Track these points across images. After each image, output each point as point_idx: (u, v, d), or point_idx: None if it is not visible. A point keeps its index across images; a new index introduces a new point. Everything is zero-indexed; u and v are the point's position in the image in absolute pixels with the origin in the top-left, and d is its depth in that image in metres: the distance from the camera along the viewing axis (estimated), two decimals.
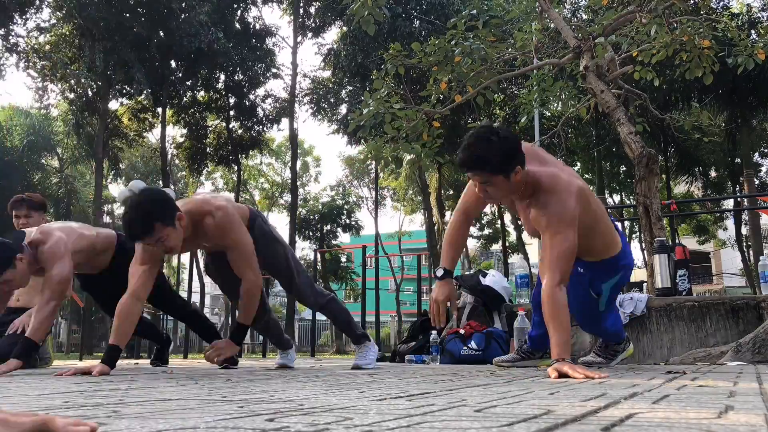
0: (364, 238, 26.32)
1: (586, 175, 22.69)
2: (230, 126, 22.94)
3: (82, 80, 19.74)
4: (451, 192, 26.59)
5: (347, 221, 26.72)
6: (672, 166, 20.63)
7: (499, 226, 24.61)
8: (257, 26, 22.00)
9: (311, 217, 26.44)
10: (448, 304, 2.84)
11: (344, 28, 18.75)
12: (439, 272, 2.84)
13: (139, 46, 18.63)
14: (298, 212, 23.44)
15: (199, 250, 3.99)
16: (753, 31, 12.26)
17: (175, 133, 31.73)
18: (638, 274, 21.21)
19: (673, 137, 16.25)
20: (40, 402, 1.44)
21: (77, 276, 4.00)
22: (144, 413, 1.11)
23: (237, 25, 21.02)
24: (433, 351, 4.78)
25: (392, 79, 6.94)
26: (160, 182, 23.00)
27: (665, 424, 0.87)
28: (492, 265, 32.06)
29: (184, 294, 12.53)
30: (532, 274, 6.04)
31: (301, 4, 21.05)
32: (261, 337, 11.29)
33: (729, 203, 19.10)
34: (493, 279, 5.08)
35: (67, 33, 19.24)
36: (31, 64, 19.86)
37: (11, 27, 18.72)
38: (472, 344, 4.59)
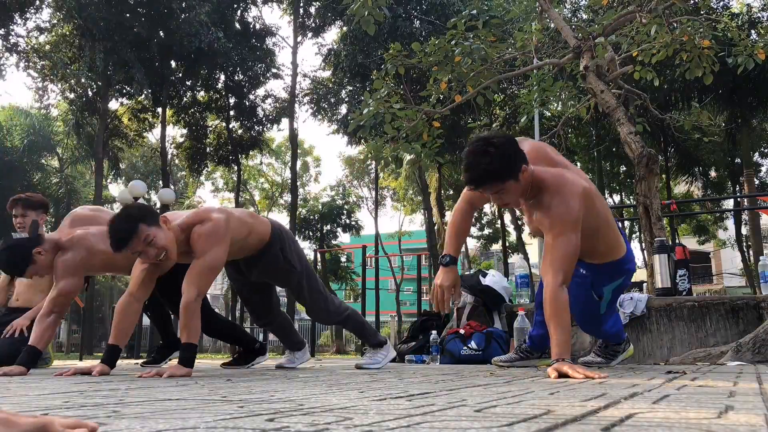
0: (364, 238, 26.32)
1: (586, 175, 22.68)
2: (230, 126, 22.95)
3: (82, 80, 19.74)
4: (451, 192, 26.59)
5: (347, 221, 26.72)
6: (672, 166, 20.63)
7: (499, 226, 24.61)
8: (257, 26, 22.01)
9: (311, 217, 26.44)
10: (453, 290, 2.82)
11: (344, 28, 18.75)
12: (444, 259, 2.86)
13: (139, 46, 18.63)
14: (298, 212, 23.44)
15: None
16: (753, 31, 12.26)
17: (175, 133, 31.80)
18: (638, 274, 21.24)
19: (673, 137, 16.25)
20: (40, 402, 1.44)
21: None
22: (144, 413, 1.11)
23: (237, 25, 21.02)
24: (433, 351, 4.78)
25: (392, 79, 6.94)
26: (160, 182, 23.01)
27: (665, 424, 0.87)
28: (492, 265, 32.06)
29: None
30: (532, 274, 6.04)
31: (301, 4, 21.05)
32: (262, 337, 11.29)
33: (729, 203, 19.11)
34: (493, 279, 5.08)
35: (67, 33, 19.24)
36: (31, 64, 19.87)
37: (11, 27, 18.73)
38: (472, 344, 4.59)
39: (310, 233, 26.28)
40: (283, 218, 28.11)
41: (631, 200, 20.08)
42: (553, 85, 6.90)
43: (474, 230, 27.99)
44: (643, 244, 5.15)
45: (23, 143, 23.84)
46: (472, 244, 31.54)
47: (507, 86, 13.35)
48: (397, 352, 5.43)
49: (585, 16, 13.03)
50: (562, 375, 2.18)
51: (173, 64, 20.73)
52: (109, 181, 25.68)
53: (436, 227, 23.68)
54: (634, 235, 24.75)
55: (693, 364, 3.51)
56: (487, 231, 29.40)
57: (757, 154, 22.58)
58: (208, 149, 23.48)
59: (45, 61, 19.78)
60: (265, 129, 23.62)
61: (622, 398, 1.30)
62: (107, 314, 23.73)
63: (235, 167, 24.12)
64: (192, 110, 22.87)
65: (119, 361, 4.69)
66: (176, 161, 27.91)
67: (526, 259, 21.08)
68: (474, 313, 4.98)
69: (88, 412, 1.16)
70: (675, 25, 6.06)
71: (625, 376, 2.25)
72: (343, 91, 19.91)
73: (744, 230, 21.90)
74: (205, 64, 19.95)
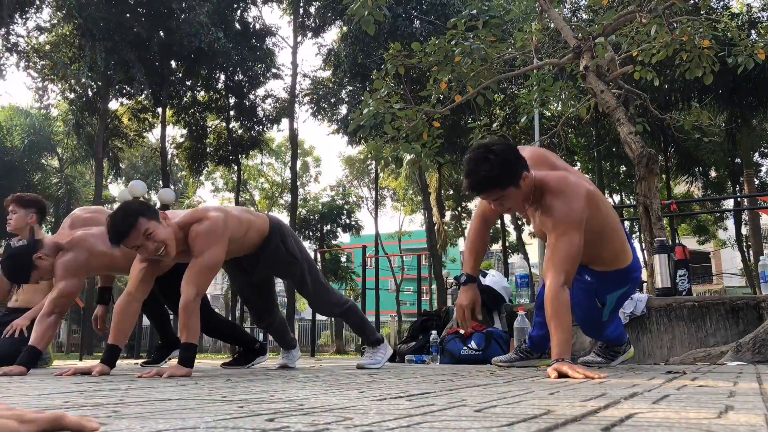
0: (364, 238, 26.31)
1: (586, 175, 22.69)
2: (230, 126, 22.94)
3: (82, 80, 19.74)
4: (451, 192, 26.59)
5: (347, 221, 26.71)
6: (672, 166, 20.63)
7: (499, 226, 24.60)
8: (257, 26, 22.01)
9: (311, 217, 26.44)
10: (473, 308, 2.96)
11: (344, 28, 18.75)
12: (463, 279, 2.97)
13: (139, 46, 18.63)
14: (298, 212, 23.43)
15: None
16: (753, 31, 12.26)
17: (175, 133, 31.79)
18: None
19: (673, 137, 16.25)
20: (40, 402, 1.44)
21: None
22: (144, 413, 1.11)
23: (237, 25, 21.01)
24: (433, 351, 4.78)
25: (392, 79, 6.94)
26: (160, 182, 23.02)
27: (665, 424, 0.87)
28: (492, 265, 32.05)
29: None
30: (532, 274, 6.04)
31: (301, 4, 21.04)
32: (262, 337, 11.29)
33: (729, 203, 19.10)
34: (493, 279, 5.09)
35: (68, 33, 19.24)
36: (31, 64, 19.87)
37: (11, 27, 18.73)
38: (472, 344, 4.59)
39: (310, 233, 26.27)
40: (283, 218, 28.11)
41: (631, 200, 20.08)
42: (553, 85, 6.90)
43: None
44: (643, 244, 5.14)
45: (23, 143, 23.84)
46: None
47: (507, 86, 13.35)
48: (397, 352, 5.43)
49: (585, 16, 13.03)
50: (561, 375, 2.17)
51: (173, 64, 20.73)
52: (109, 181, 25.68)
53: (436, 227, 23.69)
54: (634, 235, 24.78)
55: (693, 364, 3.51)
56: None
57: (757, 154, 22.58)
58: (208, 149, 23.47)
59: (45, 61, 19.78)
60: (265, 129, 23.62)
61: (622, 398, 1.30)
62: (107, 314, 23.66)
63: (235, 167, 24.12)
64: (192, 110, 22.86)
65: (119, 361, 4.69)
66: (176, 161, 27.90)
67: (526, 259, 21.08)
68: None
69: (88, 412, 1.16)
70: (675, 25, 6.06)
71: (625, 376, 2.25)
72: (343, 91, 19.90)
73: (744, 230, 21.90)
74: (205, 64, 19.95)
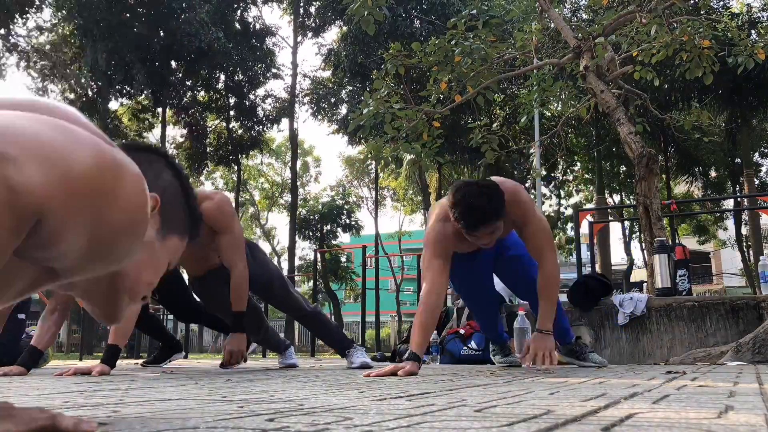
0: (364, 238, 26.31)
1: (586, 175, 22.69)
2: (230, 126, 22.94)
3: (82, 80, 19.75)
4: None
5: (347, 221, 26.68)
6: (672, 166, 20.62)
7: None
8: (257, 26, 22.00)
9: (311, 217, 26.42)
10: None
11: (344, 28, 18.74)
12: (409, 354, 2.63)
13: (139, 46, 18.63)
14: (298, 212, 23.43)
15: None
16: (753, 31, 12.25)
17: (175, 133, 31.75)
18: (638, 274, 21.21)
19: (673, 137, 16.24)
20: (39, 402, 1.44)
21: None
22: (144, 413, 1.11)
23: (237, 25, 21.00)
24: (433, 351, 4.78)
25: (392, 79, 6.94)
26: None
27: (665, 424, 0.87)
28: None
29: None
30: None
31: (301, 4, 21.04)
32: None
33: (729, 203, 19.10)
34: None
35: (68, 33, 19.23)
36: (31, 64, 19.86)
37: (11, 27, 18.73)
38: (472, 344, 4.59)
39: (310, 233, 26.25)
40: (283, 218, 28.06)
41: (631, 200, 20.07)
42: (553, 85, 6.90)
43: None
44: (643, 244, 5.14)
45: None
46: None
47: (507, 86, 13.36)
48: (397, 352, 5.44)
49: (585, 16, 13.03)
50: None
51: (173, 64, 20.73)
52: None
53: None
54: (634, 235, 24.79)
55: (693, 364, 3.51)
56: None
57: (757, 154, 22.58)
58: (208, 149, 23.46)
59: (45, 61, 19.78)
60: (265, 129, 23.60)
61: (622, 398, 1.30)
62: None
63: (235, 167, 24.11)
64: (192, 110, 22.86)
65: (119, 361, 4.70)
66: (176, 161, 27.88)
67: None
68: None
69: (88, 412, 1.16)
70: (675, 25, 6.05)
71: (625, 376, 2.25)
72: (343, 91, 19.89)
73: (744, 230, 21.90)
74: (205, 64, 19.94)
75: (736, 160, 20.58)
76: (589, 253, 9.07)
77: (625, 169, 21.26)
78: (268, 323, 4.02)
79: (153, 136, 26.31)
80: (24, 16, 18.72)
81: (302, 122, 75.36)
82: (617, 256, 28.98)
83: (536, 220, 2.84)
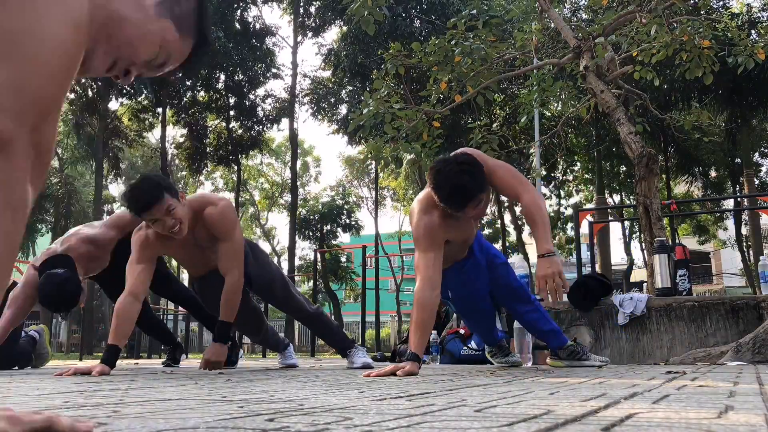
0: (364, 238, 26.32)
1: (586, 175, 22.69)
2: (230, 126, 22.94)
3: (82, 80, 19.73)
4: None
5: (347, 221, 26.69)
6: (672, 166, 20.62)
7: (499, 226, 24.60)
8: (257, 26, 22.00)
9: (311, 217, 26.42)
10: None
11: (344, 28, 18.75)
12: (410, 355, 2.60)
13: None
14: (298, 212, 23.43)
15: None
16: (753, 31, 12.25)
17: (175, 133, 31.75)
18: (638, 274, 21.20)
19: (673, 137, 16.24)
20: (39, 402, 1.44)
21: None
22: (144, 413, 1.11)
23: (237, 25, 21.00)
24: (433, 351, 4.78)
25: (392, 79, 6.94)
26: None
27: (665, 424, 0.87)
28: None
29: None
30: (532, 273, 6.03)
31: (301, 4, 21.04)
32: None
33: (729, 203, 19.10)
34: None
35: None
36: None
37: None
38: (472, 344, 4.59)
39: (310, 233, 26.25)
40: (283, 218, 28.07)
41: (631, 200, 20.07)
42: (553, 85, 6.90)
43: None
44: (643, 244, 5.14)
45: None
46: None
47: (507, 86, 13.35)
48: (397, 352, 5.44)
49: (585, 16, 13.03)
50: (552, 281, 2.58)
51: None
52: (109, 181, 25.65)
53: None
54: (634, 235, 24.78)
55: (693, 364, 3.51)
56: (487, 231, 29.42)
57: (757, 154, 22.57)
58: (208, 149, 23.47)
59: None
60: (265, 129, 23.61)
61: (622, 398, 1.30)
62: (107, 314, 23.78)
63: (235, 167, 24.11)
64: (192, 110, 22.86)
65: (119, 361, 4.70)
66: (176, 161, 27.91)
67: (526, 259, 21.07)
68: None
69: (88, 412, 1.16)
70: (675, 25, 6.05)
71: (625, 376, 2.25)
72: (343, 91, 19.89)
73: (744, 230, 21.90)
74: (205, 63, 19.94)
75: (736, 160, 20.58)
76: (589, 253, 9.08)
77: (625, 169, 21.27)
78: (267, 323, 4.02)
79: (153, 136, 26.36)
80: None
81: (302, 122, 75.31)
82: (617, 256, 28.98)
83: (500, 165, 2.87)
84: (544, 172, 19.24)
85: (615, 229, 32.53)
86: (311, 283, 23.06)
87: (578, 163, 21.80)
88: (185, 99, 22.34)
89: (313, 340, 12.54)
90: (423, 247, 2.73)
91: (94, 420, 1.00)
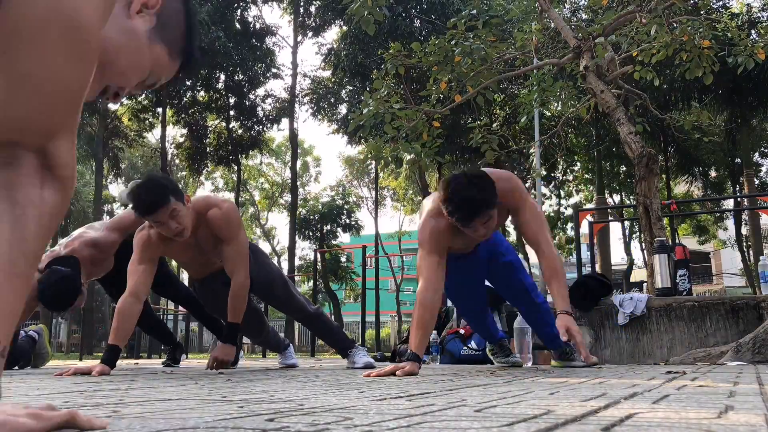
0: (364, 238, 26.31)
1: (586, 175, 22.68)
2: (230, 126, 22.93)
3: None
4: None
5: (347, 221, 26.68)
6: (672, 166, 20.62)
7: None
8: (257, 26, 22.00)
9: (311, 217, 26.42)
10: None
11: (344, 28, 18.75)
12: (410, 355, 2.61)
13: None
14: (298, 212, 23.42)
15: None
16: (753, 31, 12.25)
17: (175, 133, 31.76)
18: (638, 274, 21.20)
19: (673, 137, 16.24)
20: (39, 402, 1.44)
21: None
22: (144, 413, 1.11)
23: (237, 25, 21.00)
24: (433, 351, 4.79)
25: (392, 78, 6.94)
26: None
27: (665, 424, 0.87)
28: None
29: None
30: (533, 274, 6.05)
31: (301, 4, 21.04)
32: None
33: (729, 203, 19.10)
34: None
35: None
36: None
37: None
38: (472, 344, 4.59)
39: (310, 233, 26.25)
40: (283, 218, 28.08)
41: (631, 200, 20.07)
42: (553, 85, 6.90)
43: None
44: (643, 244, 5.14)
45: None
46: None
47: (507, 86, 13.34)
48: (397, 352, 5.44)
49: (585, 16, 13.03)
50: (570, 333, 2.63)
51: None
52: (109, 181, 25.67)
53: None
54: (634, 235, 24.77)
55: (693, 364, 3.51)
56: None
57: (757, 154, 22.57)
58: (208, 149, 23.47)
59: None
60: (265, 129, 23.61)
61: (622, 398, 1.30)
62: (107, 314, 23.80)
63: (235, 167, 24.11)
64: (192, 110, 22.86)
65: (119, 361, 4.69)
66: (176, 161, 27.90)
67: (526, 259, 21.06)
68: None
69: (88, 412, 1.16)
70: (675, 25, 6.05)
71: (625, 376, 2.25)
72: (343, 91, 19.88)
73: (744, 230, 21.90)
74: (205, 63, 19.94)
75: (736, 160, 20.58)
76: (589, 253, 9.08)
77: (625, 169, 21.27)
78: (268, 324, 4.02)
79: (153, 136, 26.36)
80: None
81: (302, 122, 75.32)
82: (617, 256, 28.99)
83: (530, 207, 2.85)
84: (544, 172, 19.23)
85: (615, 229, 32.55)
86: (311, 283, 23.06)
87: (578, 163, 21.80)
88: (185, 99, 22.34)
89: (313, 340, 12.53)
90: (427, 249, 2.75)
91: (99, 419, 1.00)
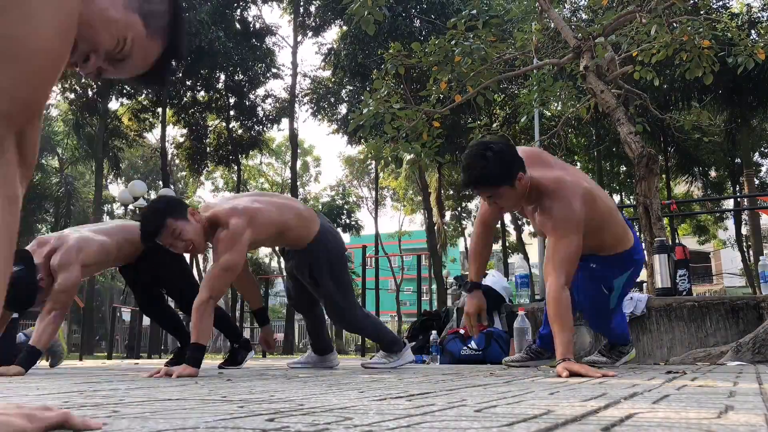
0: (364, 238, 26.31)
1: (586, 175, 22.68)
2: (230, 126, 22.95)
3: (83, 80, 19.74)
4: (451, 192, 26.57)
5: (347, 221, 26.70)
6: (672, 166, 20.63)
7: (499, 226, 24.59)
8: (257, 25, 22.01)
9: None
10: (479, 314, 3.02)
11: (344, 28, 18.75)
12: (467, 286, 3.04)
13: None
14: None
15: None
16: (753, 31, 12.26)
17: (175, 133, 31.79)
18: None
19: (673, 137, 16.25)
20: (39, 402, 1.44)
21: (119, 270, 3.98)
22: (144, 413, 1.11)
23: (237, 25, 21.00)
24: (433, 351, 4.78)
25: (392, 78, 6.94)
26: (160, 182, 23.01)
27: (665, 424, 0.87)
28: (492, 265, 32.04)
29: None
30: (532, 274, 6.05)
31: (301, 3, 21.04)
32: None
33: (729, 203, 19.10)
34: (493, 279, 5.08)
35: None
36: None
37: None
38: (472, 344, 4.59)
39: None
40: None
41: (631, 200, 20.05)
42: (553, 85, 6.90)
43: None
44: (644, 244, 5.14)
45: None
46: None
47: (507, 86, 13.35)
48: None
49: (585, 16, 13.03)
50: (573, 374, 2.20)
51: (173, 63, 20.69)
52: (109, 181, 25.69)
53: (435, 227, 23.69)
54: (635, 230, 24.71)
55: (693, 364, 3.51)
56: None
57: (757, 154, 22.58)
58: (208, 149, 23.48)
59: None
60: (265, 129, 23.62)
61: (622, 398, 1.30)
62: (107, 314, 23.77)
63: (235, 167, 24.13)
64: (192, 110, 22.87)
65: (119, 362, 4.68)
66: (176, 161, 27.91)
67: (526, 259, 21.07)
68: None
69: (88, 412, 1.16)
70: (675, 25, 6.06)
71: (625, 376, 2.25)
72: (343, 91, 19.89)
73: (744, 230, 21.90)
74: (206, 63, 19.95)
75: (736, 160, 20.58)
76: None
77: (625, 169, 21.28)
78: (320, 315, 3.81)
79: (153, 136, 26.36)
80: None
81: (302, 122, 75.35)
82: None
83: (557, 234, 2.50)
84: None
85: None
86: None
87: (578, 163, 21.79)
88: (185, 99, 22.35)
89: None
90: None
91: (95, 420, 1.00)
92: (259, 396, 1.49)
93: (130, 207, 15.52)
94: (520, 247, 22.82)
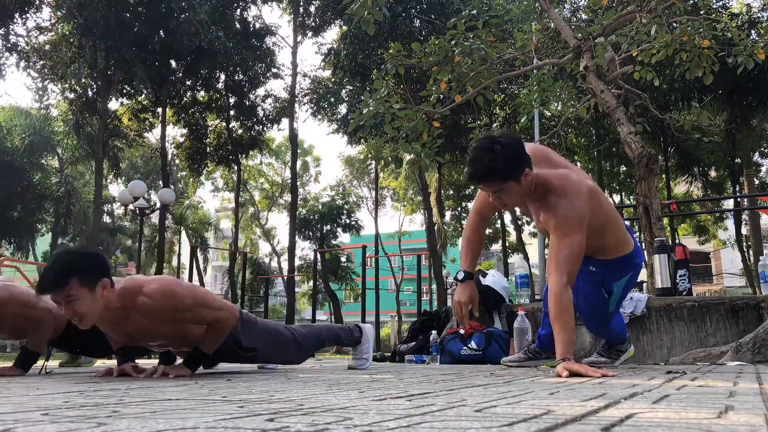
0: (364, 238, 26.33)
1: (588, 175, 22.70)
2: (230, 126, 22.95)
3: (82, 80, 19.74)
4: (451, 192, 26.58)
5: (347, 221, 26.71)
6: (672, 166, 20.64)
7: (499, 226, 24.59)
8: (257, 25, 22.01)
9: (311, 217, 26.44)
10: (471, 305, 2.94)
11: (344, 28, 18.75)
12: (460, 275, 2.95)
13: (139, 46, 18.63)
14: (298, 212, 23.43)
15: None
16: (753, 31, 12.27)
17: (175, 133, 31.79)
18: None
19: (673, 137, 16.25)
20: (39, 402, 1.44)
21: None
22: (144, 413, 1.11)
23: (237, 25, 21.00)
24: (433, 351, 4.78)
25: (392, 78, 6.94)
26: (160, 182, 23.00)
27: (665, 424, 0.87)
28: (492, 265, 32.06)
29: None
30: (532, 274, 6.05)
31: (301, 3, 21.04)
32: None
33: (729, 203, 19.10)
34: (493, 279, 5.08)
35: (67, 32, 19.23)
36: (31, 64, 19.85)
37: (11, 27, 18.72)
38: (472, 344, 4.59)
39: (310, 233, 26.27)
40: (283, 218, 28.07)
41: (631, 200, 20.07)
42: (553, 85, 6.90)
43: None
44: (643, 244, 5.14)
45: (23, 143, 23.83)
46: None
47: (507, 86, 13.35)
48: (397, 352, 5.43)
49: (585, 16, 13.03)
50: (573, 374, 2.19)
51: (173, 63, 20.73)
52: (109, 181, 25.67)
53: (436, 227, 23.69)
54: (634, 235, 24.73)
55: (693, 364, 3.51)
56: (487, 231, 29.42)
57: (757, 154, 22.59)
58: (208, 149, 23.49)
59: (45, 61, 19.76)
60: (265, 129, 23.63)
61: (622, 398, 1.30)
62: None
63: (235, 167, 24.12)
64: (192, 110, 22.87)
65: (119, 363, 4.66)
66: (176, 161, 27.90)
67: (526, 259, 21.08)
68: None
69: (88, 412, 1.16)
70: (675, 25, 6.06)
71: (625, 376, 2.25)
72: (343, 91, 19.90)
73: (744, 230, 21.90)
74: (206, 63, 19.95)
75: (736, 160, 20.59)
76: None
77: (625, 169, 21.29)
78: (321, 326, 3.69)
79: (153, 136, 26.35)
80: (23, 16, 18.71)
81: (302, 122, 75.39)
82: None
83: (560, 233, 2.47)
84: None
85: None
86: (311, 283, 23.06)
87: (578, 163, 21.80)
88: (185, 99, 22.35)
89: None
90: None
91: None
92: (259, 396, 1.49)
93: (130, 207, 15.50)
94: (520, 247, 22.82)
